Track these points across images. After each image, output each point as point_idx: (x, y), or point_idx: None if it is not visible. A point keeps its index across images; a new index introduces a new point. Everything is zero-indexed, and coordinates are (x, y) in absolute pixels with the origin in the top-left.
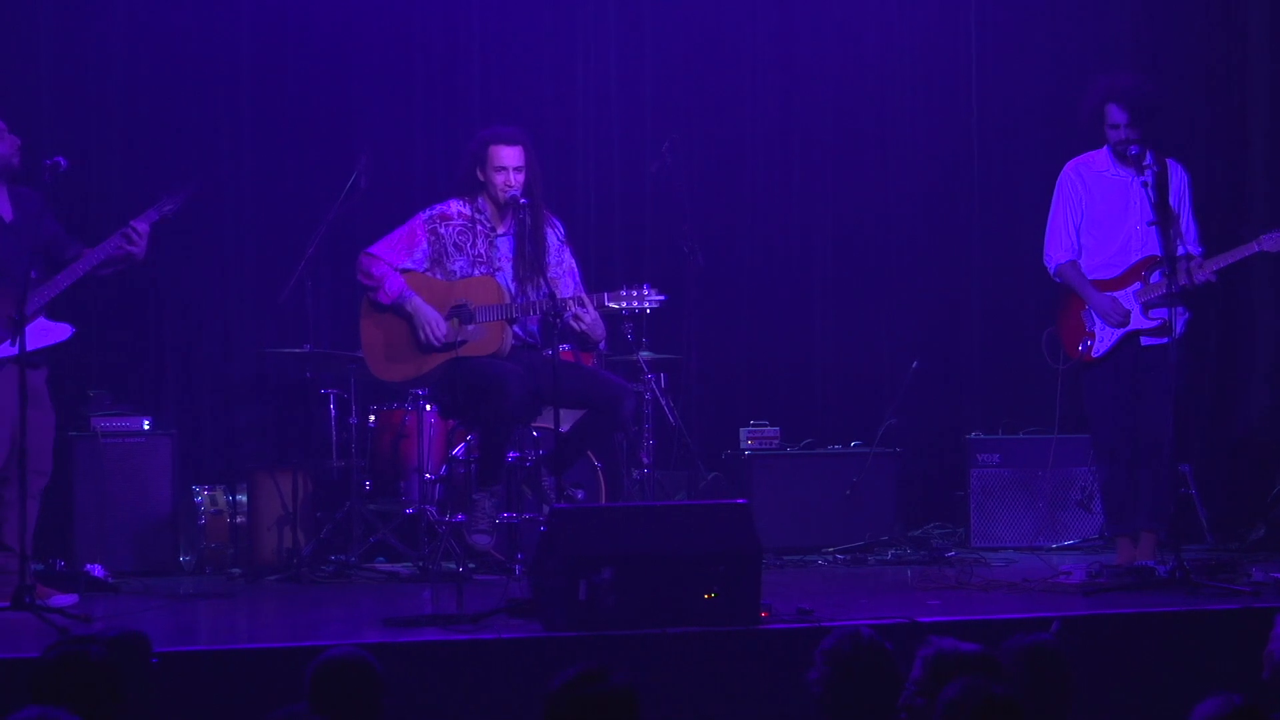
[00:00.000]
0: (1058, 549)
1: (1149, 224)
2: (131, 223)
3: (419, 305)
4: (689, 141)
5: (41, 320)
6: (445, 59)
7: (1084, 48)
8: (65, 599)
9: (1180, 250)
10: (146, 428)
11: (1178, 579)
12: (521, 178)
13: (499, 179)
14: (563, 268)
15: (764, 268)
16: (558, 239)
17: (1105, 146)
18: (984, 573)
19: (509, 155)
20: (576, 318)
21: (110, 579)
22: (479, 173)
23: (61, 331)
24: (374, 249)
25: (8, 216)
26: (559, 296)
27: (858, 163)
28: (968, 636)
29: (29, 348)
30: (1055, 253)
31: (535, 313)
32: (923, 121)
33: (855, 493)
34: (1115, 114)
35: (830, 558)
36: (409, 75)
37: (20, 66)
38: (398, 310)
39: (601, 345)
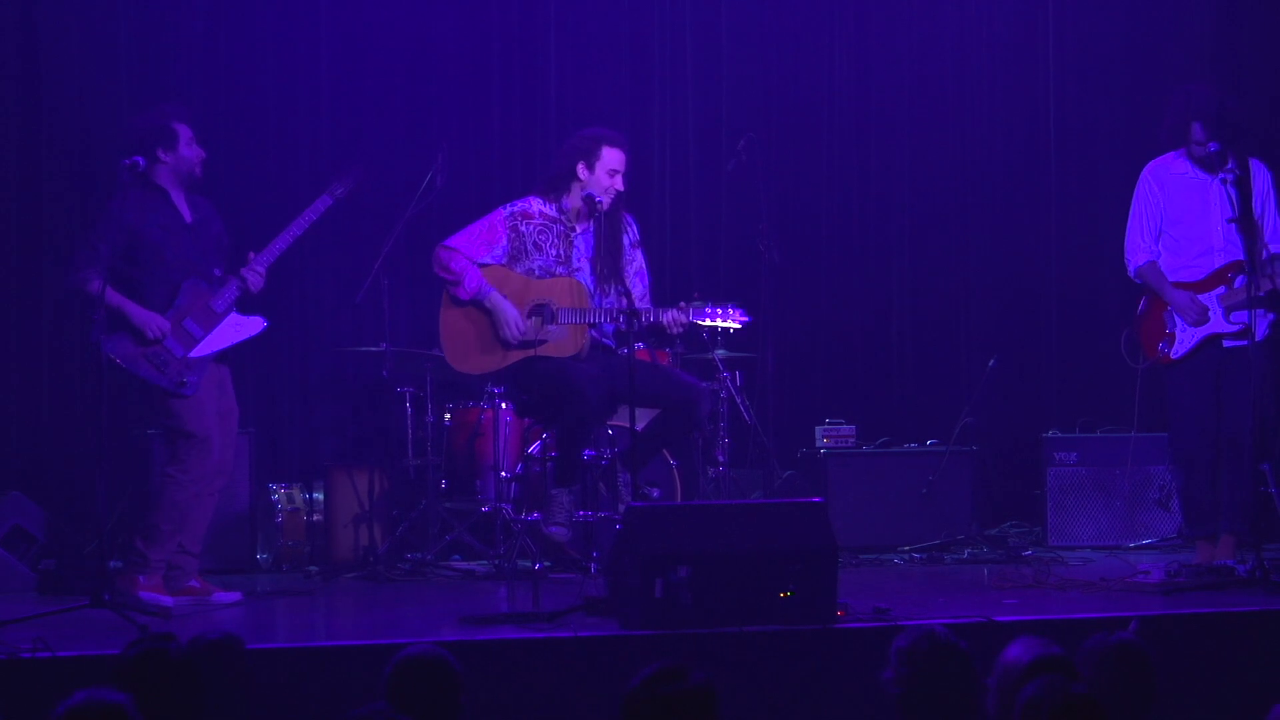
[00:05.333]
0: (1136, 548)
1: (1228, 221)
2: (307, 212)
3: (498, 301)
4: (765, 140)
5: (234, 315)
6: (522, 58)
7: (1163, 37)
8: (229, 596)
9: (1265, 254)
10: None
11: (1257, 578)
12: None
13: (610, 180)
14: (632, 269)
15: (840, 266)
16: (629, 242)
17: (1184, 148)
18: (1061, 572)
19: (620, 158)
20: (675, 321)
21: None
22: (583, 169)
23: (255, 324)
24: (452, 241)
25: (188, 218)
26: (636, 305)
27: (935, 162)
28: (1045, 636)
29: (228, 343)
30: (1134, 255)
31: (613, 321)
32: (1001, 119)
33: (931, 491)
34: (1199, 132)
35: (906, 556)
36: (486, 74)
37: (99, 55)
38: (476, 305)
39: (678, 344)
